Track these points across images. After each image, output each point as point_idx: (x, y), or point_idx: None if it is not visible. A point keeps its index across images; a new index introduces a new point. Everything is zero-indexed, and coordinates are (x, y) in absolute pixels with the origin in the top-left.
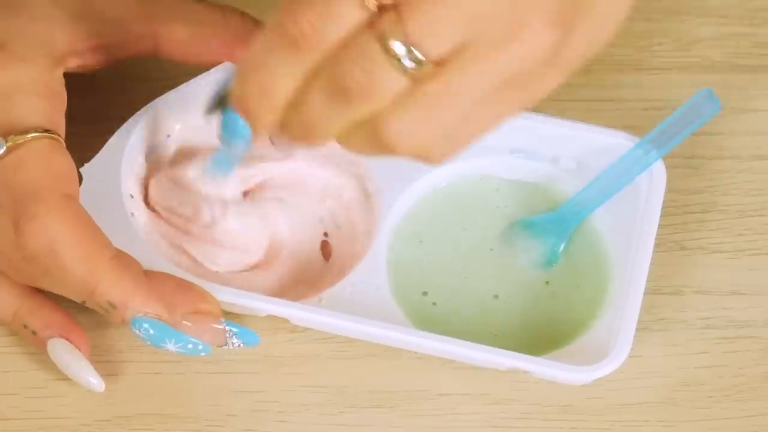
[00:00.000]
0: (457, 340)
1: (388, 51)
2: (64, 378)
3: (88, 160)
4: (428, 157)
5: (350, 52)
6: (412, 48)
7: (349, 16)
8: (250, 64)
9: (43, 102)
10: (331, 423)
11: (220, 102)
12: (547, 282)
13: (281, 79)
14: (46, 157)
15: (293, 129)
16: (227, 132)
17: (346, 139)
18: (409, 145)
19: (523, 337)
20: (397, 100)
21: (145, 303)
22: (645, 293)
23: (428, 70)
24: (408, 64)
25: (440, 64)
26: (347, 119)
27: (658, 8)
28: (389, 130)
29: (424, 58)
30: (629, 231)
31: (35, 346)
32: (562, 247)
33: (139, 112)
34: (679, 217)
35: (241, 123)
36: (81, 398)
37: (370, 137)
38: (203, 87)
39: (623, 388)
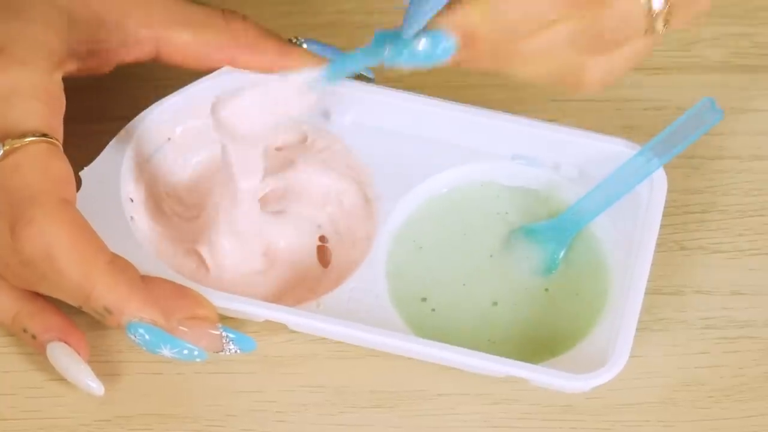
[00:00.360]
0: (455, 347)
1: None
2: (63, 378)
3: (88, 160)
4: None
5: None
6: None
7: None
8: None
9: (41, 106)
10: (330, 423)
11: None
12: (546, 289)
13: (535, 11)
14: (43, 162)
15: (512, 56)
16: (422, 55)
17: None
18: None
19: (522, 344)
20: None
21: (140, 308)
22: (646, 293)
23: None
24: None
25: None
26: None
27: None
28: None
29: None
30: (629, 238)
31: (35, 349)
32: (561, 254)
33: (139, 115)
34: (679, 217)
35: (445, 47)
36: (80, 398)
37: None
38: (204, 90)
39: (623, 388)
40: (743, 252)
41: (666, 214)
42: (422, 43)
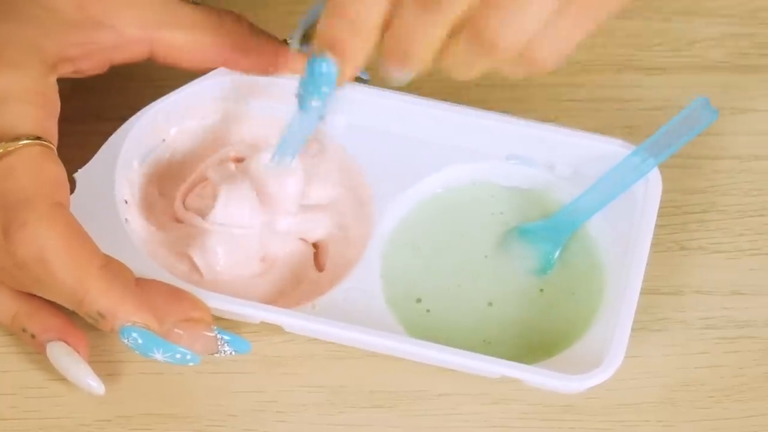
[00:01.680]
0: (450, 348)
1: None
2: (64, 378)
3: (86, 161)
4: (534, 58)
5: None
6: None
7: None
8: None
9: (35, 109)
10: (330, 423)
11: (304, 40)
12: (541, 289)
13: (373, 4)
14: (36, 165)
15: (390, 54)
16: (312, 79)
17: (447, 56)
18: (513, 40)
19: (518, 345)
20: None
21: (133, 312)
22: (645, 293)
23: None
24: None
25: None
26: (439, 25)
27: (658, 8)
28: (489, 25)
29: None
30: (625, 238)
31: (35, 349)
32: (557, 254)
33: (133, 116)
34: (679, 217)
35: (327, 67)
36: (80, 398)
37: (471, 43)
38: (198, 92)
39: (623, 388)
40: (743, 252)
41: (666, 214)
42: (306, 74)
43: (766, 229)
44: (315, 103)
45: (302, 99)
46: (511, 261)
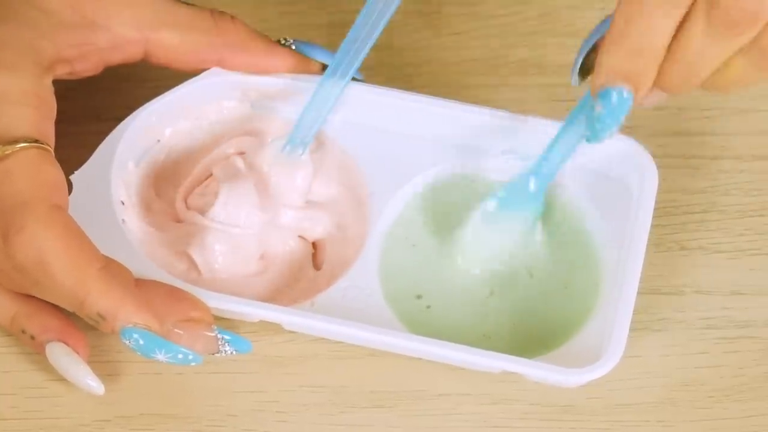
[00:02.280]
0: (450, 343)
1: None
2: (63, 378)
3: (84, 161)
4: None
5: None
6: None
7: None
8: (623, 30)
9: (31, 111)
10: (330, 423)
11: (582, 73)
12: (539, 284)
13: (662, 30)
14: (34, 168)
15: (672, 77)
16: (609, 111)
17: (722, 73)
18: None
19: (517, 340)
20: None
21: (134, 313)
22: (645, 293)
23: None
24: None
25: None
26: (732, 48)
27: None
28: None
29: None
30: (621, 232)
31: (34, 350)
32: (540, 208)
33: (128, 117)
34: (679, 217)
35: (619, 99)
36: (80, 398)
37: (754, 61)
38: (193, 92)
39: (623, 388)
40: (743, 252)
41: (666, 214)
42: (599, 108)
43: (766, 229)
44: (611, 132)
45: (598, 131)
46: (505, 240)
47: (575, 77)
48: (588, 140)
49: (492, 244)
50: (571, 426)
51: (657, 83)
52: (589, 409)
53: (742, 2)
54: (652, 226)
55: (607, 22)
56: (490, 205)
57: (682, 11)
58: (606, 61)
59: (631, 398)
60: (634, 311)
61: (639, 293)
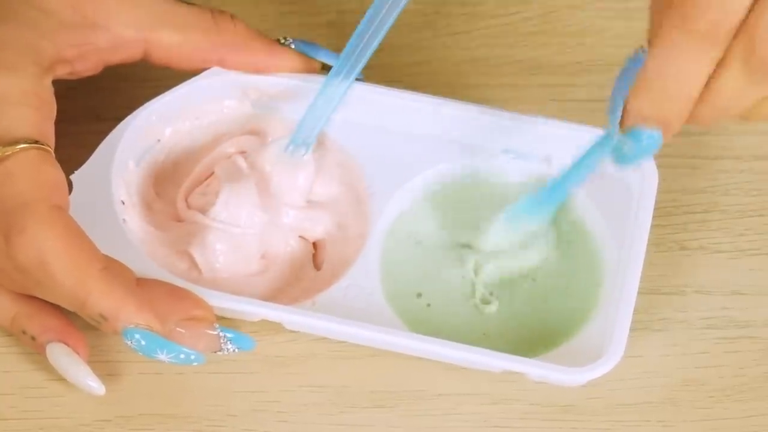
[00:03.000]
0: (451, 342)
1: None
2: (64, 378)
3: (84, 160)
4: None
5: (759, 25)
6: None
7: None
8: (654, 74)
9: (31, 112)
10: (330, 423)
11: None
12: (539, 283)
13: (695, 76)
14: (34, 169)
15: (703, 118)
16: (638, 147)
17: (754, 110)
18: None
19: (518, 338)
20: None
21: (136, 314)
22: (645, 293)
23: None
24: None
25: None
26: (766, 91)
27: None
28: None
29: None
30: (621, 232)
31: (35, 350)
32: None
33: (128, 117)
34: (679, 217)
35: (649, 140)
36: (80, 398)
37: None
38: (193, 91)
39: (623, 388)
40: (744, 252)
41: (666, 214)
42: (628, 147)
43: (766, 229)
44: (638, 163)
45: (625, 165)
46: (508, 249)
47: (615, 125)
48: (617, 166)
49: (499, 254)
50: (571, 426)
51: (687, 120)
52: (590, 409)
53: None
54: (653, 226)
55: (636, 60)
56: (504, 215)
57: (716, 55)
58: (637, 105)
59: (631, 398)
60: (634, 311)
61: (639, 293)
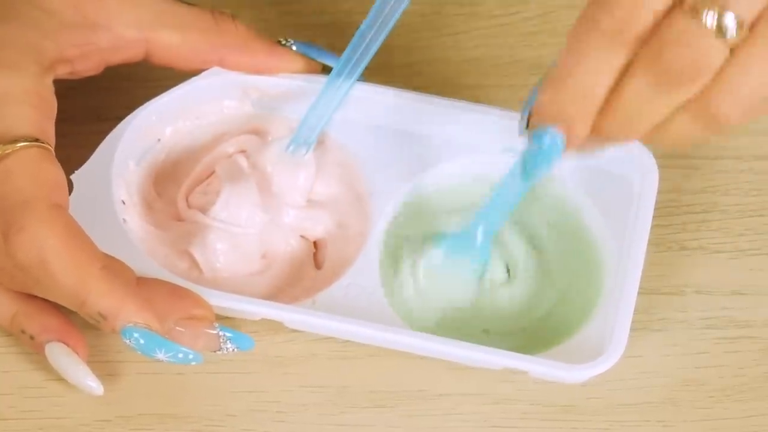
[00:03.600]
0: (451, 340)
1: (703, 24)
2: (63, 378)
3: (84, 160)
4: (746, 121)
5: (667, 33)
6: (724, 15)
7: None
8: (561, 71)
9: (32, 111)
10: (330, 423)
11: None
12: (540, 281)
13: (600, 77)
14: (34, 167)
15: (611, 128)
16: (540, 151)
17: (664, 128)
18: (740, 114)
19: (518, 337)
20: (721, 70)
21: (135, 313)
22: (645, 293)
23: (744, 35)
24: (729, 32)
25: (753, 25)
26: (672, 103)
27: None
28: (721, 103)
29: (738, 24)
30: (622, 229)
31: (34, 350)
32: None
33: (128, 116)
34: (679, 217)
35: (551, 141)
36: (80, 398)
37: (696, 117)
38: (193, 91)
39: (623, 388)
40: (744, 252)
41: (666, 214)
42: (531, 147)
43: (766, 229)
44: (542, 172)
45: (529, 171)
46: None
47: (521, 127)
48: (522, 179)
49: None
50: (571, 426)
51: (595, 131)
52: (590, 408)
53: (684, 55)
54: (653, 226)
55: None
56: (436, 254)
57: (621, 60)
58: (542, 101)
59: (631, 398)
60: (634, 311)
61: (639, 293)
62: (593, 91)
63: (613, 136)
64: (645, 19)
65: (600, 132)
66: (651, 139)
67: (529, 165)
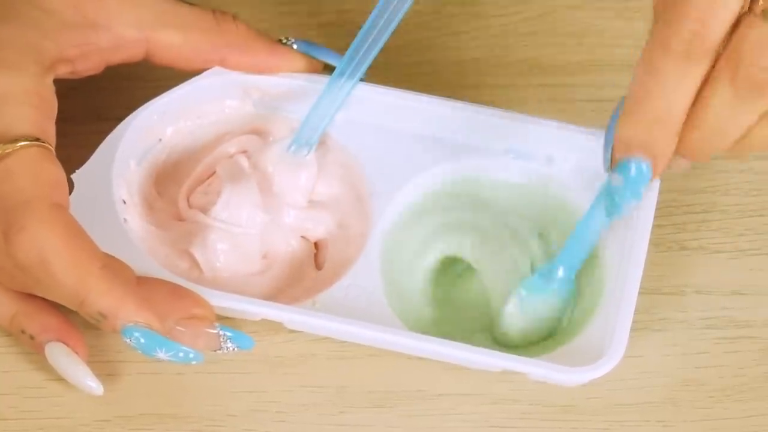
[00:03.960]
0: (451, 341)
1: None
2: (63, 378)
3: (85, 160)
4: None
5: (743, 41)
6: None
7: (732, 5)
8: (637, 99)
9: (32, 110)
10: (330, 423)
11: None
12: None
13: (678, 96)
14: (35, 167)
15: (693, 145)
16: (629, 183)
17: (749, 137)
18: None
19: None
20: None
21: (135, 312)
22: (646, 293)
23: None
24: None
25: None
26: (758, 111)
27: None
28: None
29: None
30: (623, 231)
31: (33, 350)
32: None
33: (129, 116)
34: (679, 217)
35: (637, 171)
36: (80, 398)
37: None
38: (194, 91)
39: (623, 388)
40: (744, 252)
41: (666, 214)
42: (616, 180)
43: (766, 229)
44: (631, 205)
45: (618, 205)
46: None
47: (605, 165)
48: (608, 215)
49: (500, 268)
50: (571, 426)
51: (678, 150)
52: (590, 408)
53: (765, 62)
54: (653, 226)
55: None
56: (521, 294)
57: (698, 76)
58: (623, 132)
59: (631, 398)
60: (634, 311)
61: (640, 293)
62: (674, 112)
63: (697, 151)
64: (716, 30)
65: (683, 150)
66: (735, 151)
67: (618, 199)
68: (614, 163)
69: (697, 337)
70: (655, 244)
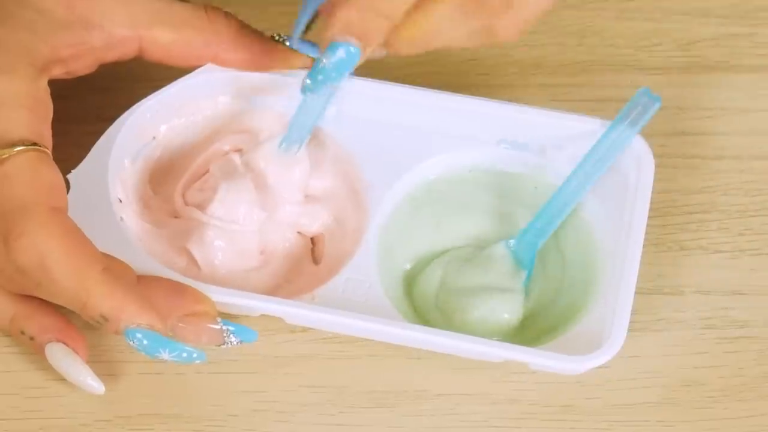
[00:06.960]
0: (450, 332)
1: None
2: (64, 378)
3: (81, 160)
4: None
5: None
6: None
7: None
8: None
9: (28, 114)
10: (330, 423)
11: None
12: (538, 273)
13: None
14: (32, 171)
15: (402, 42)
16: (332, 64)
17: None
18: (516, 35)
19: (517, 328)
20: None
21: (137, 314)
22: (645, 293)
23: None
24: None
25: None
26: (470, 27)
27: (658, 8)
28: (504, 28)
29: None
30: (619, 221)
31: (34, 351)
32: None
33: (122, 115)
34: (679, 217)
35: (350, 51)
36: (81, 398)
37: (475, 35)
38: (187, 89)
39: (623, 388)
40: (743, 252)
41: (666, 214)
42: (327, 59)
43: (766, 229)
44: (332, 86)
45: (319, 83)
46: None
47: (297, 34)
48: (304, 90)
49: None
50: (571, 426)
51: (386, 44)
52: (589, 409)
53: None
54: (652, 226)
55: None
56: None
57: None
58: (345, 16)
59: (631, 398)
60: (634, 312)
61: (639, 293)
62: (400, 10)
63: (403, 49)
64: None
65: (391, 44)
66: (427, 49)
67: (321, 77)
68: (324, 43)
69: (696, 337)
70: (655, 244)
